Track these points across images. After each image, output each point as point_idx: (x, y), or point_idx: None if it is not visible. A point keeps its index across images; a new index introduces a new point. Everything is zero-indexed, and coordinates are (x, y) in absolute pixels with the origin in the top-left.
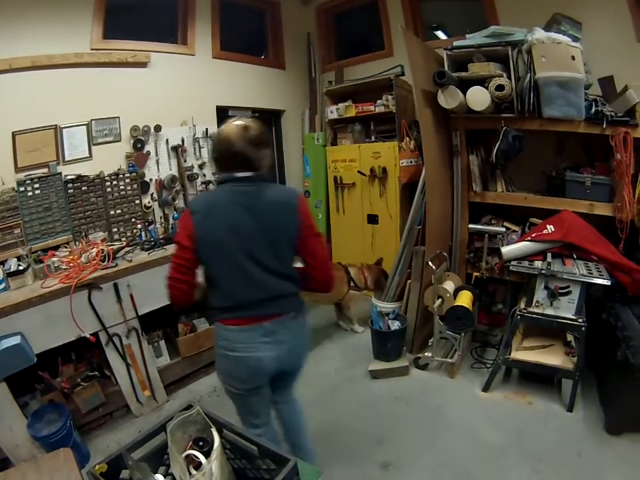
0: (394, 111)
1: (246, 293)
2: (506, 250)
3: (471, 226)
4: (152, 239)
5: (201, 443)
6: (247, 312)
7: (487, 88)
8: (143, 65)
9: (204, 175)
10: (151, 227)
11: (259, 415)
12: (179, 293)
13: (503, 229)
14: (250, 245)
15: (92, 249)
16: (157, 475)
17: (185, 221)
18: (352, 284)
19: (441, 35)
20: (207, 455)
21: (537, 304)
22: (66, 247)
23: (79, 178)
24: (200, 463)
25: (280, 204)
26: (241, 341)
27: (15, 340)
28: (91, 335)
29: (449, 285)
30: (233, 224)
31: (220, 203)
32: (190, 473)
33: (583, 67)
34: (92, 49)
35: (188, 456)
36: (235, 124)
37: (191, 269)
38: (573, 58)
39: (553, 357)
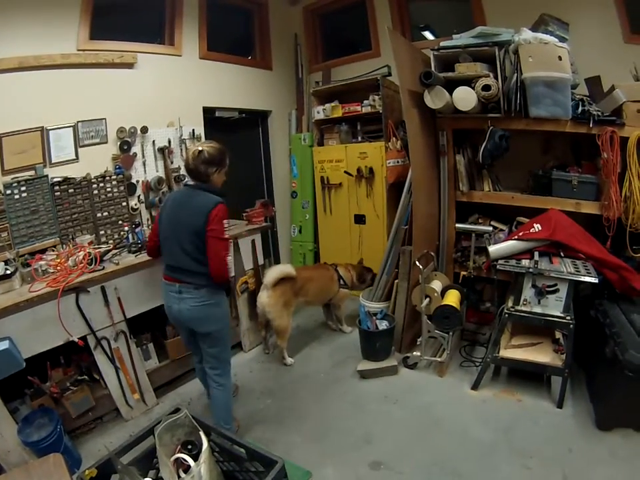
0: (381, 111)
1: (171, 261)
2: (493, 249)
3: (458, 225)
4: (139, 241)
5: (189, 447)
6: (170, 273)
7: (473, 88)
8: (129, 65)
9: None
10: (137, 229)
11: (189, 348)
12: (151, 245)
13: (490, 228)
14: (177, 231)
15: (79, 252)
16: (146, 479)
17: (160, 207)
18: (341, 282)
19: (428, 35)
20: (196, 458)
21: (524, 302)
22: (53, 250)
23: (66, 180)
24: (189, 466)
25: (198, 207)
26: (165, 291)
27: (4, 345)
28: (79, 338)
29: (437, 285)
30: (172, 215)
31: (173, 199)
32: (179, 476)
33: (570, 67)
34: (79, 50)
35: (177, 459)
36: (195, 148)
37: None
38: (560, 58)
39: (541, 355)
